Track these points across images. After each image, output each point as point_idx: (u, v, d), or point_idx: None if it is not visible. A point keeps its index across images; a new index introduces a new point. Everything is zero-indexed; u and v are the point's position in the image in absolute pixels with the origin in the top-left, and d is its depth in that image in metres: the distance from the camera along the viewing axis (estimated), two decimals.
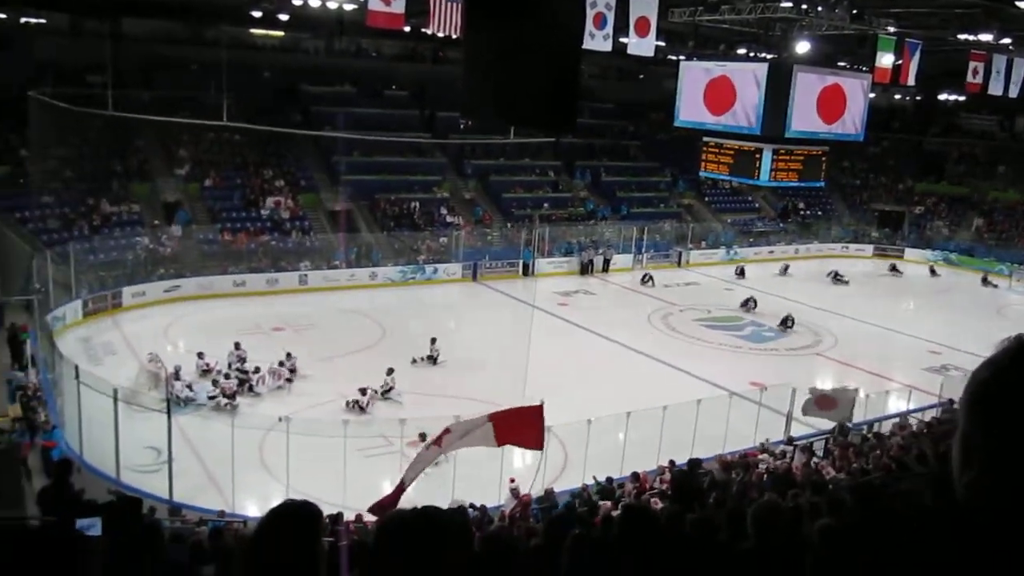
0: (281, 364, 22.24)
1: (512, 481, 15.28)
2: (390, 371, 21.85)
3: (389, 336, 27.25)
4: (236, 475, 15.94)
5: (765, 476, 13.71)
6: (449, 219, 38.56)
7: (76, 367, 17.73)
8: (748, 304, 32.71)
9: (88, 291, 27.72)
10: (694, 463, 14.91)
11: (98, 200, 32.23)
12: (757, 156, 18.18)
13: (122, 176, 34.10)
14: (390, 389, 21.41)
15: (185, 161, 35.94)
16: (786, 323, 30.70)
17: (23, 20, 35.56)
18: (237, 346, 22.79)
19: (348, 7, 24.57)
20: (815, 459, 15.47)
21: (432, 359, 24.08)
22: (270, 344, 24.33)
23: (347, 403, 20.49)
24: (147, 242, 31.38)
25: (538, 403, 13.57)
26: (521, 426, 13.29)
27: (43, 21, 35.87)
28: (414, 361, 23.55)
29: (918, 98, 53.40)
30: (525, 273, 37.28)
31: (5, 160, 31.98)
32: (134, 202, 33.32)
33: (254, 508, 15.87)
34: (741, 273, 40.08)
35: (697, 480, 13.92)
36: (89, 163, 33.40)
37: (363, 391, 20.76)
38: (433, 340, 24.41)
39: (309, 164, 39.04)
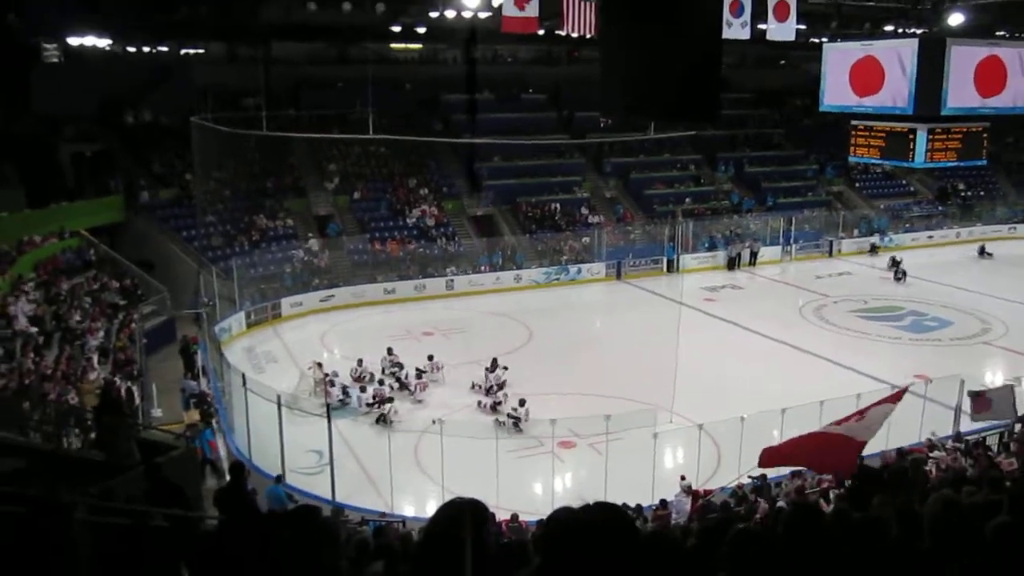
0: (430, 358, 22.86)
1: (683, 479, 15.09)
2: (494, 365, 22.18)
3: (536, 337, 27.45)
4: (394, 477, 16.41)
5: (935, 472, 13.00)
6: (591, 219, 38.51)
7: (243, 375, 18.72)
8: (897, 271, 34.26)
9: (250, 303, 29.22)
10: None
11: (255, 216, 33.91)
12: (911, 137, 17.21)
13: (277, 192, 35.76)
14: (492, 387, 21.74)
15: (334, 175, 37.33)
16: (896, 269, 33.98)
17: (183, 51, 37.87)
18: (390, 351, 23.50)
19: (483, 15, 24.91)
20: (990, 454, 14.54)
21: (489, 389, 21.87)
22: (421, 349, 24.89)
23: (479, 403, 20.83)
24: (302, 254, 32.78)
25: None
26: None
27: (201, 51, 38.08)
28: (474, 387, 22.23)
29: None
30: (669, 269, 36.80)
31: (172, 183, 34.15)
32: (289, 217, 34.85)
33: (411, 508, 16.30)
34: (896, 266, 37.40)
35: (880, 473, 13.36)
36: (246, 182, 35.21)
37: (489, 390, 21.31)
38: (522, 402, 20.83)
39: (451, 172, 39.83)
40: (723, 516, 10.02)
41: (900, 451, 15.03)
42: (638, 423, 16.64)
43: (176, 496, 7.70)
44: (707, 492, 14.64)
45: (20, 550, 3.68)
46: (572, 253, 36.26)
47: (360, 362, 22.99)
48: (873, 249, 40.18)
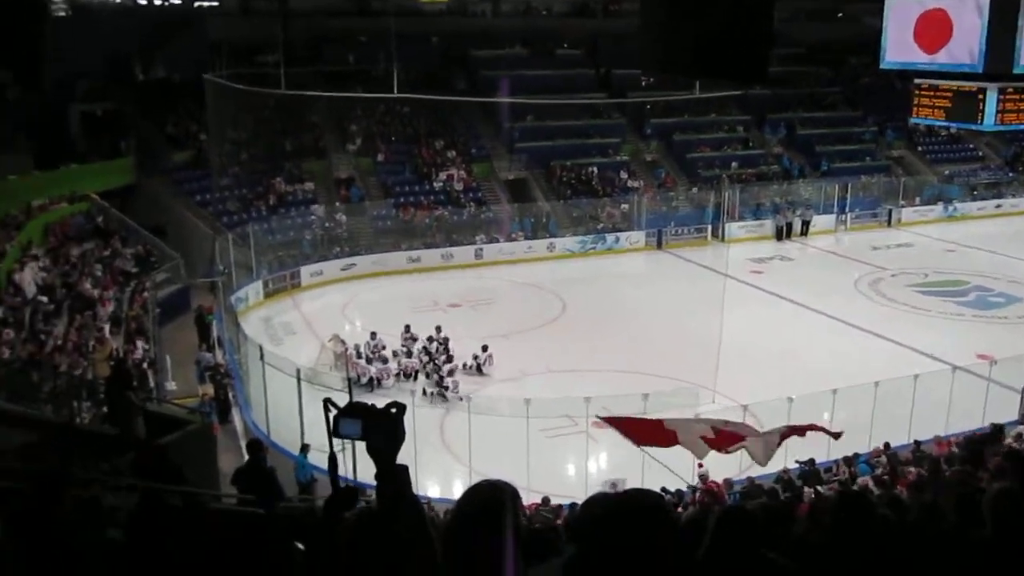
0: (438, 330, 22.89)
1: (700, 465, 15.08)
2: (486, 347, 22.18)
3: (570, 310, 27.46)
4: (418, 456, 16.55)
5: (1000, 460, 12.88)
6: (630, 184, 38.33)
7: (260, 348, 18.93)
8: None
9: (268, 271, 29.49)
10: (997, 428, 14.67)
11: (273, 180, 34.11)
12: (980, 97, 16.82)
13: (296, 154, 35.90)
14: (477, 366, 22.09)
15: (356, 136, 37.40)
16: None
17: (196, 3, 37.96)
18: (407, 329, 23.16)
19: None
20: None
21: (479, 368, 22.16)
22: (447, 321, 24.99)
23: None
24: (323, 221, 32.95)
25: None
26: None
27: (215, 3, 38.13)
28: (466, 366, 22.23)
29: None
30: (714, 239, 36.66)
31: (187, 146, 34.39)
32: (308, 180, 35.03)
33: (436, 489, 16.48)
34: None
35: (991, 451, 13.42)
36: (264, 143, 35.41)
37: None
38: (484, 348, 22.39)
39: (481, 132, 39.77)
40: (738, 508, 10.00)
41: (941, 442, 15.01)
42: (678, 402, 16.69)
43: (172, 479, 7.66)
44: (717, 486, 14.53)
45: (30, 527, 3.77)
46: (610, 220, 36.15)
47: (373, 335, 22.72)
48: (804, 226, 37.89)
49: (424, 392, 20.48)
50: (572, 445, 17.53)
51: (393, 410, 2.76)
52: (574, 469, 17.21)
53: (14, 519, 3.80)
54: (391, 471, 2.66)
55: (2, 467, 6.64)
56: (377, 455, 2.74)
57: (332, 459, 2.95)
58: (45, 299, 20.44)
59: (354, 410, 2.80)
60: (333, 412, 2.83)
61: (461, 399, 19.22)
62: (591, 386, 18.86)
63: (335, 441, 2.87)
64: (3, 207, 25.03)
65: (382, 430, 2.75)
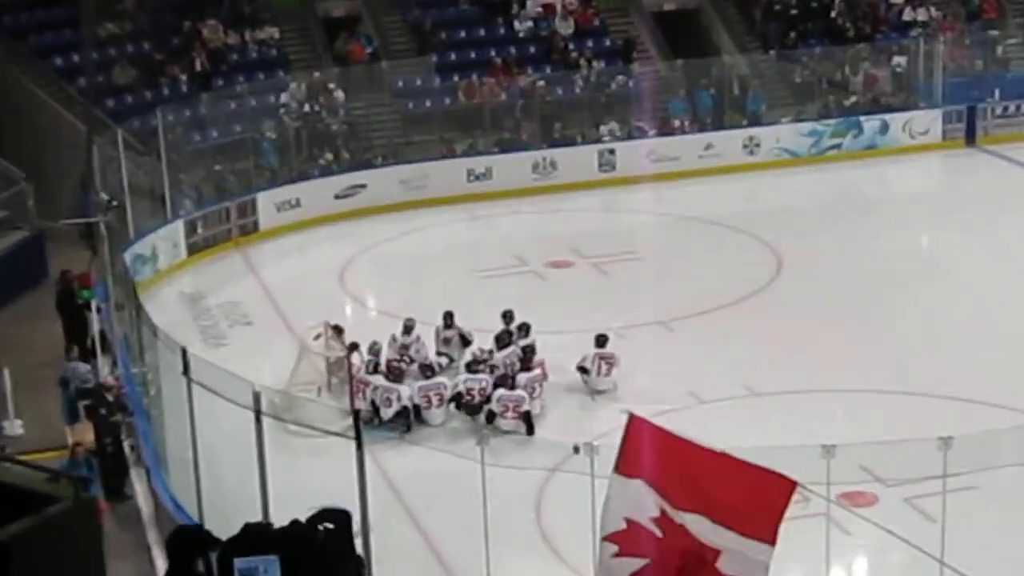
0: (507, 317, 22.73)
1: None
2: (602, 340, 21.99)
3: (789, 273, 27.17)
4: (492, 554, 16.54)
5: None
6: (907, 16, 37.79)
7: (185, 353, 19.03)
8: None
9: (195, 203, 29.86)
10: None
11: (200, 24, 34.53)
12: None
13: None
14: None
15: None
16: None
17: None
18: (448, 320, 23.12)
19: None
20: None
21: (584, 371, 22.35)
22: (547, 294, 25.00)
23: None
24: (300, 102, 33.20)
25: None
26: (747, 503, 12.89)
27: None
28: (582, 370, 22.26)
29: None
30: None
31: None
32: (270, 24, 35.41)
33: None
34: None
35: None
36: None
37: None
38: (601, 340, 22.33)
39: None
40: None
41: None
42: (1012, 455, 16.36)
43: None
44: None
45: None
46: (870, 90, 35.75)
47: (409, 326, 22.74)
48: None
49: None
50: (801, 532, 17.34)
51: (325, 527, 2.68)
52: None
53: None
54: None
55: None
56: None
57: None
58: None
59: (259, 539, 2.73)
60: (215, 553, 2.78)
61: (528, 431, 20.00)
62: (834, 423, 18.66)
63: None
64: None
65: (318, 562, 2.68)
